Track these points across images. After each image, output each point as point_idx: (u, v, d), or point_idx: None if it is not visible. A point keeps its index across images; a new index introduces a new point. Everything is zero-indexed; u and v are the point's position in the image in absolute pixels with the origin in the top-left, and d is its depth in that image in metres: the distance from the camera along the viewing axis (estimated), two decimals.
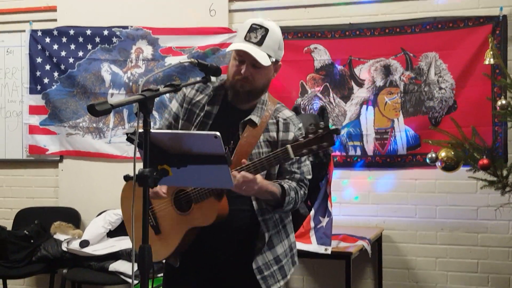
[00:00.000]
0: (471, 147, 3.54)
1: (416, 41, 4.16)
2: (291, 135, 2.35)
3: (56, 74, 4.79)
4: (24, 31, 4.84)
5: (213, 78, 2.23)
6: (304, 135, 2.16)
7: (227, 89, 2.35)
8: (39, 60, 4.81)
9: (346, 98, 4.32)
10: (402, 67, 4.21)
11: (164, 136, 1.95)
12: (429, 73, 4.16)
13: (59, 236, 4.43)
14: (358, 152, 4.30)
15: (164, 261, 2.43)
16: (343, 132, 4.29)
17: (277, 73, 2.38)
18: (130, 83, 4.68)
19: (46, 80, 4.80)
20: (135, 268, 1.76)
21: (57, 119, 4.80)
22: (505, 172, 3.48)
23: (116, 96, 4.68)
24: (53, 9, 4.84)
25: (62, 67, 4.76)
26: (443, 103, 4.14)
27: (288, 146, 2.16)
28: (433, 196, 4.21)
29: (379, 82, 4.26)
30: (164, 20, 4.61)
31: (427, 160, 3.86)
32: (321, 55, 4.34)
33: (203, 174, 1.98)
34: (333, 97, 4.34)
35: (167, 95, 4.13)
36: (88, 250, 4.23)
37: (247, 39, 2.25)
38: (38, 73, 4.81)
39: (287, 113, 2.42)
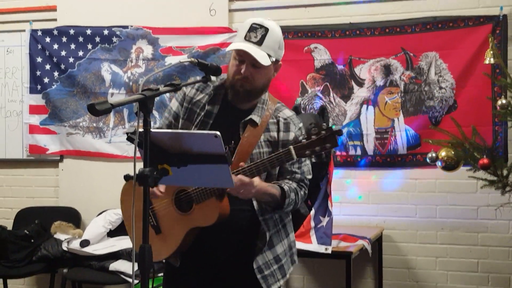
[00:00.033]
0: (471, 146, 3.54)
1: (416, 41, 4.16)
2: (291, 135, 2.35)
3: (56, 73, 4.79)
4: (24, 30, 4.84)
5: (213, 78, 2.23)
6: (306, 136, 2.16)
7: (227, 89, 2.35)
8: (39, 59, 4.81)
9: (346, 97, 4.32)
10: (402, 67, 4.21)
11: (164, 136, 1.95)
12: (429, 72, 4.16)
13: (60, 236, 4.43)
14: (359, 152, 4.30)
15: (164, 260, 2.44)
16: (343, 131, 4.29)
17: (277, 72, 2.38)
18: (130, 83, 4.68)
19: (46, 80, 4.80)
20: (136, 267, 1.76)
21: (57, 119, 4.81)
22: (505, 172, 3.47)
23: (116, 96, 4.69)
24: (53, 8, 4.84)
25: (62, 66, 4.76)
26: (443, 102, 4.14)
27: (291, 147, 2.16)
28: (433, 195, 4.21)
29: (379, 82, 4.26)
30: (164, 19, 4.61)
31: (427, 160, 3.85)
32: (321, 54, 4.34)
33: (203, 174, 1.98)
34: (333, 96, 4.34)
35: (167, 94, 4.13)
36: (89, 249, 4.23)
37: (247, 38, 2.24)
38: (38, 73, 4.81)
39: (287, 112, 2.41)
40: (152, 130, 1.82)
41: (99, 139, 4.76)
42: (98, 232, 4.38)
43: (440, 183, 4.17)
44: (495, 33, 3.98)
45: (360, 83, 4.29)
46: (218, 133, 1.89)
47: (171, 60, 4.55)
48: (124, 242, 4.19)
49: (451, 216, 4.18)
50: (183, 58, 4.50)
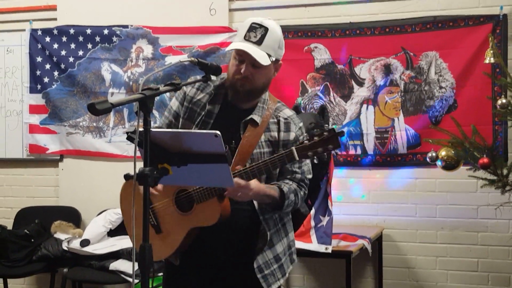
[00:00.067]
0: (471, 146, 3.53)
1: (416, 40, 4.15)
2: (292, 135, 2.36)
3: (56, 73, 4.79)
4: (24, 30, 4.83)
5: (213, 77, 2.23)
6: (309, 138, 2.16)
7: (228, 88, 2.35)
8: (39, 59, 4.81)
9: (346, 97, 4.32)
10: (402, 66, 4.21)
11: (165, 135, 1.95)
12: (430, 72, 4.16)
13: (60, 235, 4.43)
14: (359, 151, 4.30)
15: (164, 259, 2.43)
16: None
17: (277, 72, 2.38)
18: (130, 82, 4.68)
19: (46, 79, 4.80)
20: (136, 267, 1.76)
21: (57, 118, 4.81)
22: (505, 171, 3.47)
23: (116, 95, 4.69)
24: (53, 8, 4.84)
25: (62, 66, 4.76)
26: (443, 102, 4.14)
27: (293, 148, 2.15)
28: (433, 195, 4.21)
29: (380, 81, 4.25)
30: (164, 19, 4.61)
31: (428, 159, 3.85)
32: (321, 54, 4.34)
33: (203, 173, 1.98)
34: (333, 96, 4.34)
35: (168, 94, 4.12)
36: (89, 249, 4.23)
37: (246, 38, 2.24)
38: (38, 72, 4.81)
39: (287, 112, 2.41)
40: (152, 129, 1.82)
41: (99, 139, 4.76)
42: (98, 231, 4.38)
43: (440, 183, 4.17)
44: (495, 32, 3.98)
45: (360, 83, 4.29)
46: (218, 132, 1.89)
47: (171, 59, 4.55)
48: (124, 242, 4.19)
49: (451, 215, 4.18)
50: (183, 57, 4.50)
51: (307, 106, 4.37)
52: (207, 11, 4.52)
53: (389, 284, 4.28)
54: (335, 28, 4.30)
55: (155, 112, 4.51)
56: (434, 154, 3.77)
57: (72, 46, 4.74)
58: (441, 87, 4.14)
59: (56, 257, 4.32)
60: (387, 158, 4.25)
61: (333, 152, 3.64)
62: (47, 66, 4.80)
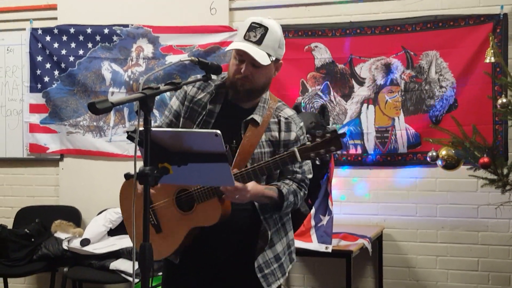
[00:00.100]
0: (471, 145, 3.53)
1: (416, 40, 4.15)
2: (293, 135, 2.35)
3: (56, 72, 4.78)
4: (24, 29, 4.83)
5: (214, 76, 2.23)
6: (311, 139, 2.15)
7: (228, 88, 2.35)
8: (39, 58, 4.80)
9: (346, 96, 4.32)
10: (402, 66, 4.21)
11: (165, 134, 1.95)
12: (430, 71, 4.16)
13: (60, 235, 4.43)
14: (359, 151, 4.30)
15: (163, 259, 2.43)
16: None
17: (278, 71, 2.37)
18: (131, 82, 4.68)
19: (46, 79, 4.80)
20: (136, 266, 1.76)
21: (58, 118, 4.80)
22: (505, 171, 3.47)
23: (117, 95, 4.68)
24: (53, 7, 4.84)
25: (63, 65, 4.76)
26: (444, 101, 4.13)
27: (295, 149, 2.15)
28: (434, 194, 4.21)
29: (380, 81, 4.25)
30: (165, 18, 4.60)
31: (428, 159, 3.85)
32: (321, 53, 4.34)
33: (204, 172, 1.98)
34: (333, 95, 4.34)
35: (168, 93, 4.13)
36: (89, 248, 4.23)
37: (246, 38, 2.24)
38: (38, 72, 4.81)
39: (288, 111, 2.41)
40: (152, 129, 1.81)
41: (99, 138, 4.76)
42: (99, 231, 4.38)
43: (440, 182, 4.17)
44: (496, 32, 3.98)
45: (361, 82, 4.29)
46: (218, 132, 1.89)
47: (172, 59, 4.55)
48: (124, 241, 4.19)
49: (451, 215, 4.18)
50: (184, 57, 4.50)
51: (308, 105, 4.36)
52: (207, 10, 4.52)
53: (389, 284, 4.28)
54: (335, 28, 4.30)
55: (155, 111, 4.51)
56: (434, 154, 3.77)
57: (73, 45, 4.74)
58: (441, 87, 4.14)
59: (57, 257, 4.33)
60: (387, 158, 4.25)
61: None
62: (48, 65, 4.79)
